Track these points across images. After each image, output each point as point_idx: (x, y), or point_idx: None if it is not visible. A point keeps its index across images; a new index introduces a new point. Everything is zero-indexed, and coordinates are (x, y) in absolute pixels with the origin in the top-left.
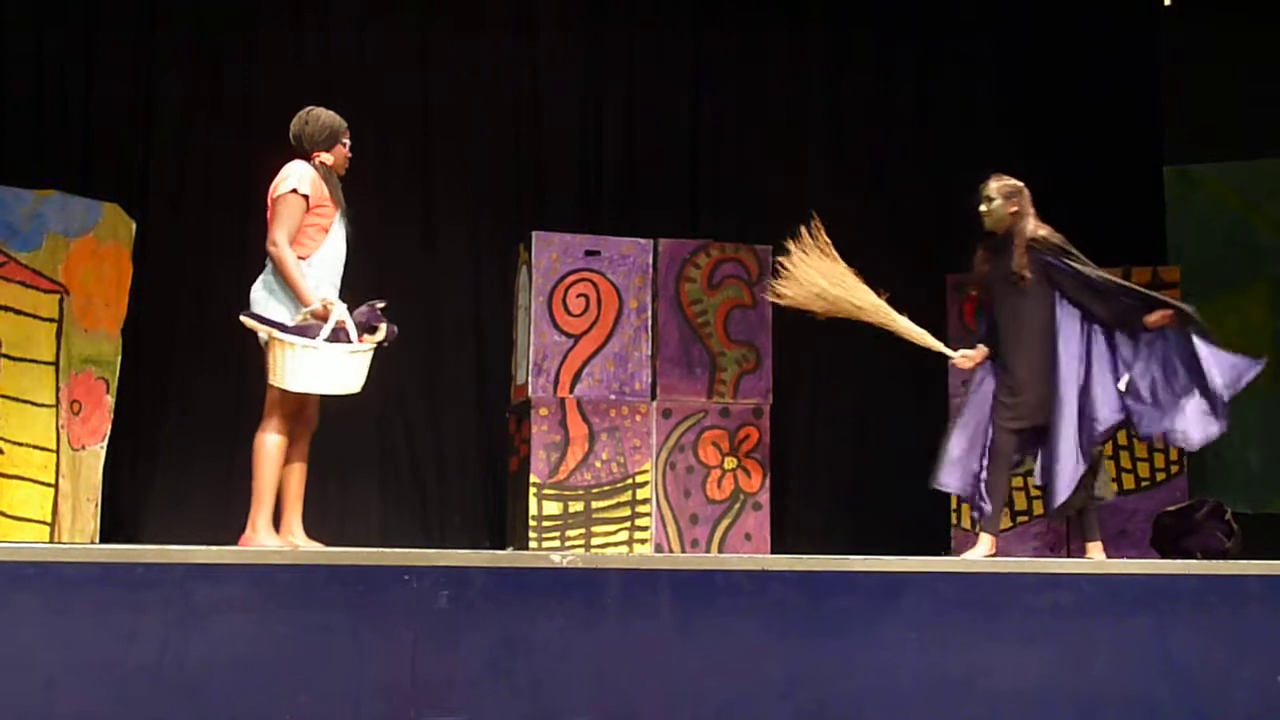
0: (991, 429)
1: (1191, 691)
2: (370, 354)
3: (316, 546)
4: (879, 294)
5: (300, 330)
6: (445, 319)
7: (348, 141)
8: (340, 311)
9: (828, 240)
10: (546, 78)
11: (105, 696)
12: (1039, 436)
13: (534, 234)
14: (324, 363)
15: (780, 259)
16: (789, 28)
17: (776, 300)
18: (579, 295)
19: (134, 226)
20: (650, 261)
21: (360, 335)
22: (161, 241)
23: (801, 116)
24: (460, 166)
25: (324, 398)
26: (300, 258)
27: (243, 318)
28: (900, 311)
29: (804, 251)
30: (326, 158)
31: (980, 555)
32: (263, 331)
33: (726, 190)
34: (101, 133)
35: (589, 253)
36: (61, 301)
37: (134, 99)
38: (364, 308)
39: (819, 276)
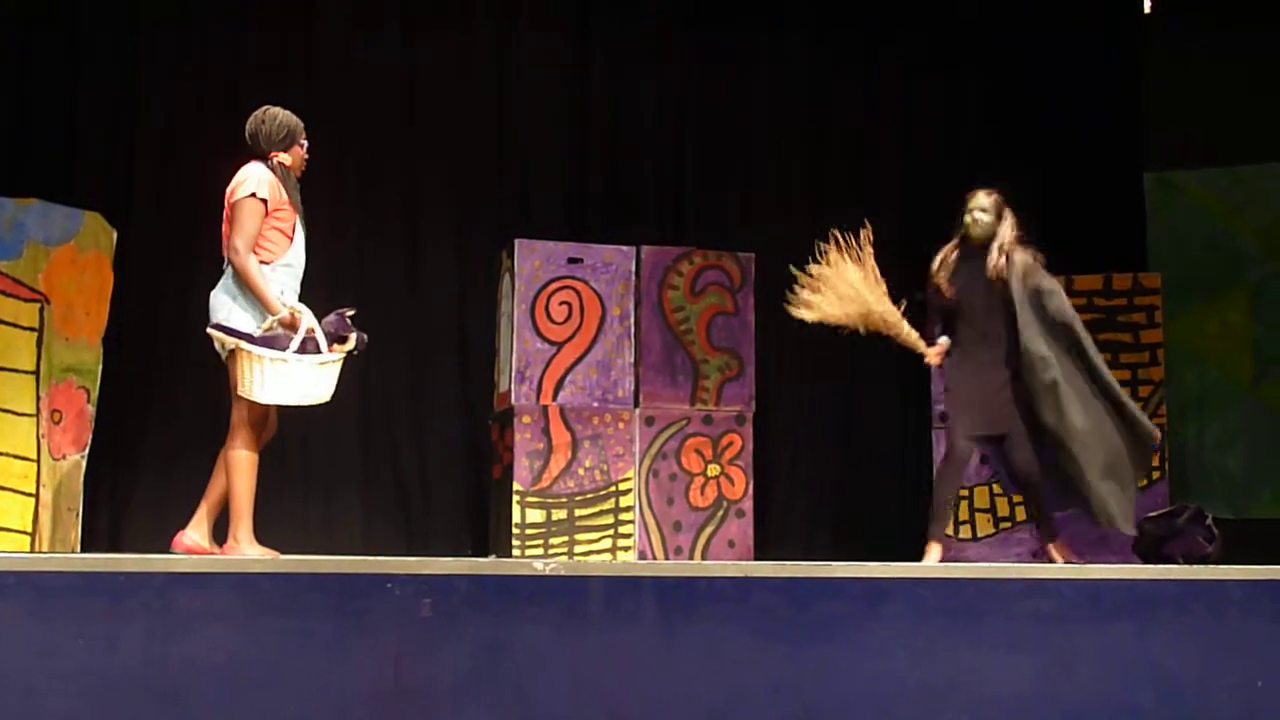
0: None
1: (1173, 697)
2: (340, 363)
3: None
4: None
5: (268, 341)
6: (428, 327)
7: (305, 142)
8: (309, 321)
9: (861, 246)
10: (530, 84)
11: (86, 706)
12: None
13: (517, 241)
14: (294, 374)
15: (809, 269)
16: (773, 34)
17: (801, 315)
18: (562, 303)
19: (115, 235)
20: (633, 269)
21: (330, 345)
22: (143, 250)
23: (785, 123)
24: (443, 173)
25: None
26: (262, 263)
27: (210, 330)
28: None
29: (836, 261)
30: (284, 158)
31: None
32: (230, 344)
33: (710, 197)
34: (83, 141)
35: (572, 260)
36: (42, 310)
37: (116, 107)
38: (333, 316)
39: (852, 286)
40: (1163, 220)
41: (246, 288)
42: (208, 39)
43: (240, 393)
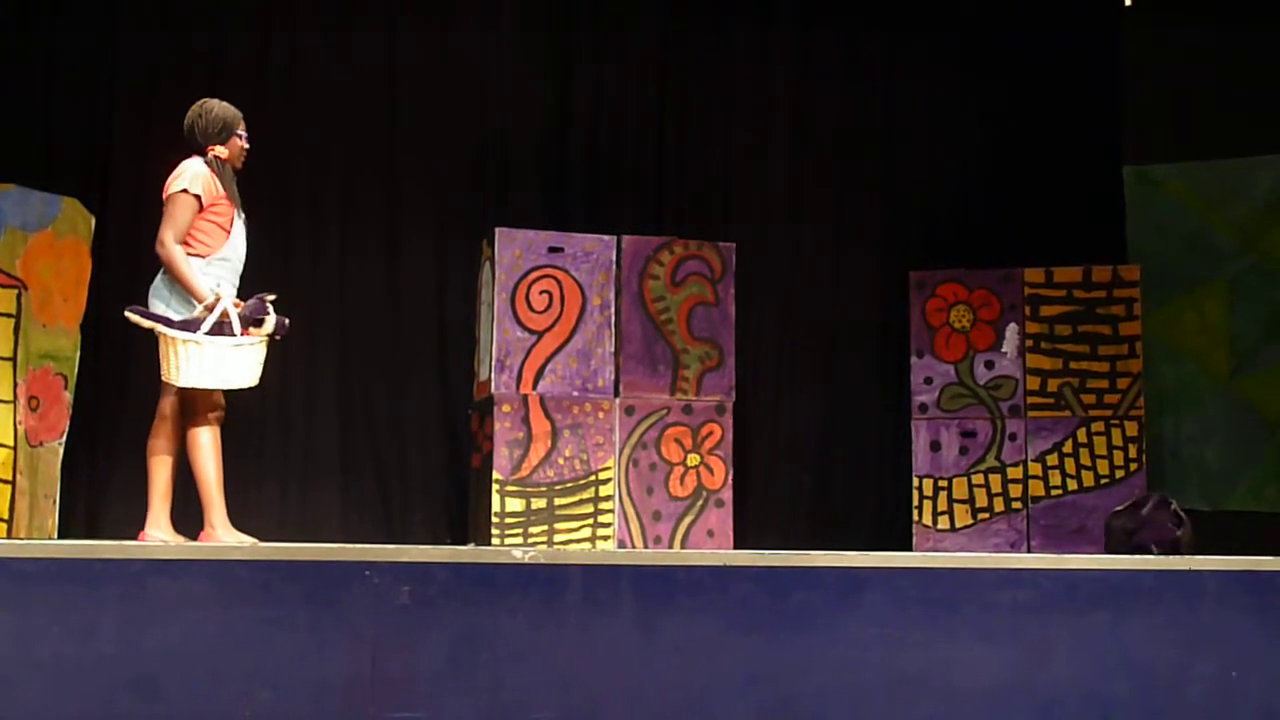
0: None
1: (1148, 687)
2: (262, 347)
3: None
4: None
5: (185, 325)
6: (408, 316)
7: (243, 134)
8: (224, 305)
9: None
10: (512, 74)
11: (62, 693)
12: None
13: (497, 230)
14: (211, 357)
15: None
16: (756, 25)
17: None
18: (542, 292)
19: (93, 221)
20: (614, 258)
21: (246, 328)
22: (121, 237)
23: (767, 115)
24: (424, 162)
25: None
26: (200, 256)
27: (128, 313)
28: (866, 308)
29: None
30: (221, 151)
31: None
32: (146, 325)
33: (691, 187)
34: (61, 127)
35: (552, 249)
36: (19, 296)
37: (95, 93)
38: (252, 300)
39: None
40: (1142, 213)
41: (173, 278)
42: (188, 29)
43: (164, 377)
